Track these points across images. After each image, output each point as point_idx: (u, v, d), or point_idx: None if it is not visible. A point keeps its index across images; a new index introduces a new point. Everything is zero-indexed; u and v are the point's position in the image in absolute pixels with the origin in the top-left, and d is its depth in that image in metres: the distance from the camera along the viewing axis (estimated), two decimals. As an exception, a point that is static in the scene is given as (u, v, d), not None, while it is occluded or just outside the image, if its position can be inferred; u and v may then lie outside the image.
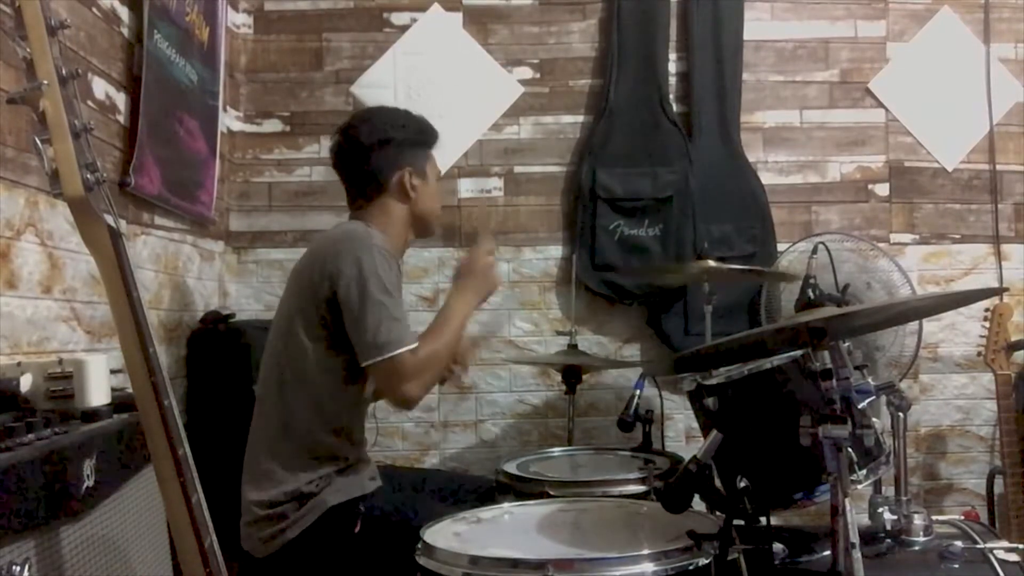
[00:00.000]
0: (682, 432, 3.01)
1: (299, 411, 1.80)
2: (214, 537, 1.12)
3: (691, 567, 1.31)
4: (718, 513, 1.66)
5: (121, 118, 2.13)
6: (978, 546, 1.55)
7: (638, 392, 2.35)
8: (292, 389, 1.80)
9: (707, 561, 1.33)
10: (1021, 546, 1.54)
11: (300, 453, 1.78)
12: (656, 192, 2.95)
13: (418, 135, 2.02)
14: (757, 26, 3.10)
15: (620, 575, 1.27)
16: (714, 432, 1.40)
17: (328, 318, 1.78)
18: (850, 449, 1.37)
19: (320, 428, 1.80)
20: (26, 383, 1.28)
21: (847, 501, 1.32)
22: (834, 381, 1.37)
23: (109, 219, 1.08)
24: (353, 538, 1.76)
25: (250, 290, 3.02)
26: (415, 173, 1.98)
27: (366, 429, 1.96)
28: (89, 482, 1.19)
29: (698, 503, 1.45)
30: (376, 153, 1.96)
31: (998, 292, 2.80)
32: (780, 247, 3.00)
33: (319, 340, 1.79)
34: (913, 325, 2.80)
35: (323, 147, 3.03)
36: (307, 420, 1.79)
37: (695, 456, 1.41)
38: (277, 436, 1.80)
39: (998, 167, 3.09)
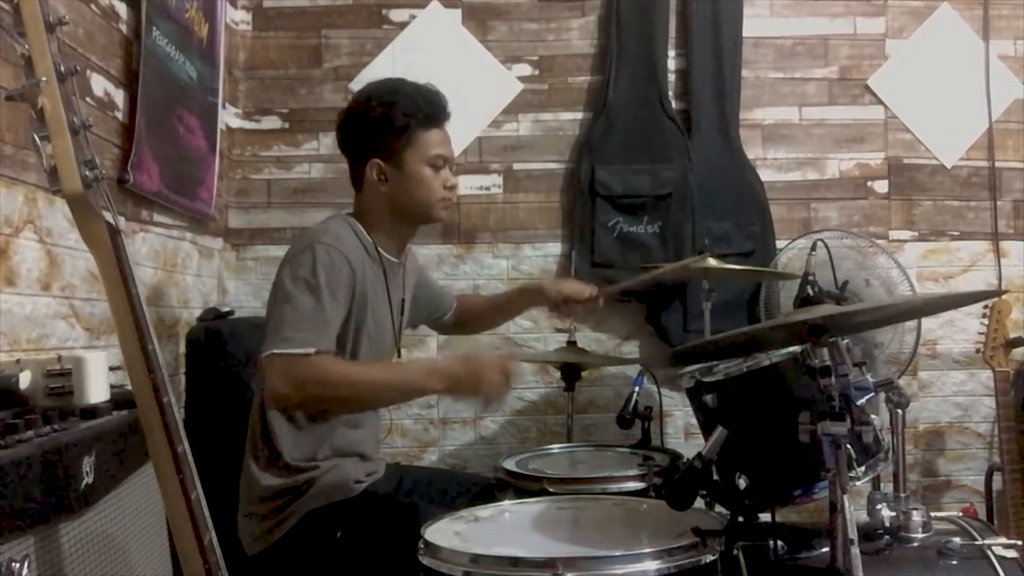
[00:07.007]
0: (681, 429, 3.01)
1: (274, 414, 1.74)
2: (213, 533, 1.12)
3: (695, 564, 1.31)
4: (718, 508, 1.66)
5: (120, 115, 2.13)
6: (976, 543, 1.55)
7: (637, 389, 2.35)
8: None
9: (713, 558, 1.33)
10: (1019, 543, 1.54)
11: (275, 455, 1.74)
12: (655, 189, 2.94)
13: (393, 118, 1.81)
14: (756, 23, 3.09)
15: (624, 573, 1.27)
16: (719, 428, 1.40)
17: None
18: (849, 446, 1.36)
19: (293, 431, 1.75)
20: (25, 380, 1.28)
21: (845, 498, 1.32)
22: (833, 378, 1.37)
23: (108, 216, 1.08)
24: (336, 543, 1.72)
25: (249, 287, 3.02)
26: (386, 163, 1.82)
27: (364, 429, 1.90)
28: (88, 479, 1.18)
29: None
30: (349, 145, 1.89)
31: (997, 294, 2.79)
32: (779, 244, 3.00)
33: None
34: (912, 322, 2.80)
35: (322, 144, 3.03)
36: (281, 422, 1.74)
37: (700, 453, 1.41)
38: (258, 437, 1.77)
39: (997, 164, 3.09)
